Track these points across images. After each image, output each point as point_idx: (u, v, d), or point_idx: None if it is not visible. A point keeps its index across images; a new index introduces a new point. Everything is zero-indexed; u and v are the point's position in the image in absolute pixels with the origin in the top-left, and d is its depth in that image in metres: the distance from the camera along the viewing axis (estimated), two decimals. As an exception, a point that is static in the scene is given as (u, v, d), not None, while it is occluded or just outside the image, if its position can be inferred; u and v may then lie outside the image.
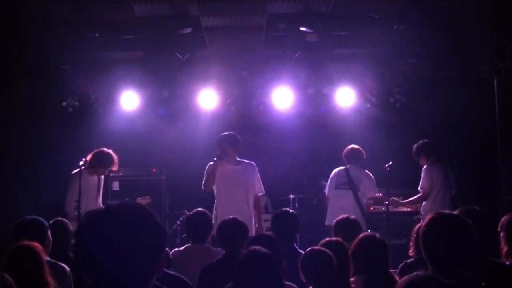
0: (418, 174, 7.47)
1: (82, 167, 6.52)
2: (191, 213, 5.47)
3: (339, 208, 7.02)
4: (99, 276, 1.83)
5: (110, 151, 6.91)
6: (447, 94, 8.80)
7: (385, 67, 8.78)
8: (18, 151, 8.55)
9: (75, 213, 6.41)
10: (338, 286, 3.84)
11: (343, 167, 7.56)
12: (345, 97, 8.99)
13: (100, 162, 6.80)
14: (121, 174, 8.94)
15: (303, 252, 4.13)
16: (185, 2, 7.16)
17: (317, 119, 9.61)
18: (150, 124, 9.36)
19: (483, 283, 2.99)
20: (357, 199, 7.36)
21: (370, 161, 7.66)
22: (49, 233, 4.50)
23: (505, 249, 3.95)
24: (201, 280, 4.43)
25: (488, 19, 7.22)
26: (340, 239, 4.21)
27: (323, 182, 8.47)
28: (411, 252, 4.68)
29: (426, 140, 7.56)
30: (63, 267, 4.32)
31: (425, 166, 7.41)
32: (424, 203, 7.40)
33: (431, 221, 2.94)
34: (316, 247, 3.95)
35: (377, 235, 4.01)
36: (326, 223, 7.26)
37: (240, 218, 4.87)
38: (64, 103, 8.75)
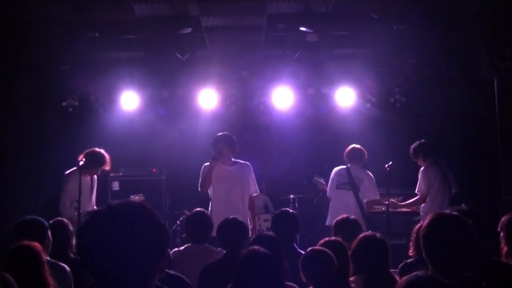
0: (418, 174, 7.45)
1: (82, 167, 6.53)
2: (191, 213, 5.47)
3: (340, 208, 7.01)
4: (100, 276, 1.83)
5: (102, 151, 6.87)
6: (447, 94, 8.80)
7: (385, 67, 8.78)
8: (18, 151, 8.56)
9: (70, 214, 6.40)
10: (338, 286, 3.84)
11: (343, 166, 7.50)
12: (345, 97, 8.98)
13: (92, 162, 6.78)
14: (121, 174, 8.96)
15: (303, 252, 4.13)
16: (185, 2, 7.16)
17: (317, 119, 9.62)
18: (150, 124, 9.36)
19: (483, 283, 2.99)
20: (358, 199, 7.34)
21: (370, 161, 7.64)
22: (49, 233, 4.50)
23: (505, 249, 3.96)
24: (201, 280, 4.43)
25: (488, 19, 7.22)
26: (340, 239, 4.21)
27: (316, 178, 8.43)
28: (411, 252, 4.68)
29: (422, 140, 7.49)
30: (63, 267, 4.32)
31: (422, 168, 7.37)
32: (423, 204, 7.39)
33: (431, 221, 2.94)
34: (316, 247, 3.95)
35: (378, 235, 4.01)
36: (327, 223, 7.24)
37: (240, 218, 4.88)
38: (64, 103, 8.75)
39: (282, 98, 8.97)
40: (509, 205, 6.84)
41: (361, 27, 7.91)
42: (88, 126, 8.89)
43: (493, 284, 3.25)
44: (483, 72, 7.64)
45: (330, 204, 7.49)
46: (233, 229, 4.71)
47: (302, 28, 7.87)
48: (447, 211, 3.49)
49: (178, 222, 8.50)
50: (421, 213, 7.37)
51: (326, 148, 9.68)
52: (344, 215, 5.15)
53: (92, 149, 6.87)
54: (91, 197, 6.88)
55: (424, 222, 3.04)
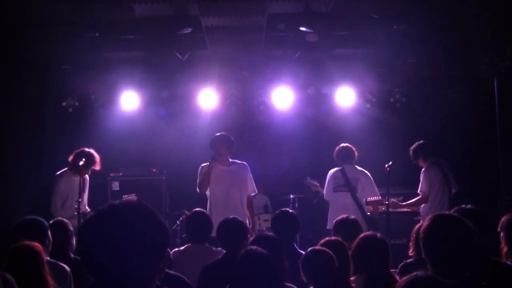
0: (418, 174, 7.44)
1: (75, 167, 6.56)
2: (191, 213, 5.47)
3: (339, 210, 6.96)
4: (100, 276, 1.83)
5: (92, 151, 6.84)
6: (447, 94, 8.80)
7: (385, 67, 8.78)
8: (18, 151, 8.56)
9: (61, 215, 6.36)
10: (338, 286, 3.84)
11: (338, 168, 7.38)
12: (345, 97, 8.98)
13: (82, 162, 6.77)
14: (121, 174, 8.97)
15: (303, 252, 4.13)
16: (185, 2, 7.16)
17: (317, 119, 9.62)
18: (150, 124, 9.36)
19: (483, 283, 2.99)
20: (356, 200, 7.31)
21: (370, 161, 7.63)
22: (49, 233, 4.50)
23: (505, 249, 3.96)
24: (201, 280, 4.43)
25: (488, 19, 7.22)
26: (340, 238, 4.21)
27: (308, 180, 8.37)
28: (411, 252, 4.68)
29: (422, 141, 7.48)
30: (63, 267, 4.31)
31: (423, 169, 7.37)
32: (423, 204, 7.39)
33: (431, 222, 2.95)
34: (317, 247, 3.95)
35: (378, 235, 4.01)
36: (328, 226, 7.15)
37: (240, 218, 4.88)
38: (64, 103, 8.75)
39: (282, 98, 8.97)
40: (509, 205, 6.84)
41: (361, 27, 7.91)
42: (88, 126, 8.90)
43: (493, 284, 3.25)
44: (483, 72, 7.63)
45: (329, 207, 7.45)
46: (233, 229, 4.71)
47: (302, 28, 7.87)
48: (452, 210, 3.50)
49: (178, 222, 8.50)
50: (421, 213, 7.37)
51: (326, 148, 9.64)
52: (344, 215, 5.14)
53: (82, 149, 6.83)
54: (82, 197, 6.85)
55: (424, 222, 3.04)
